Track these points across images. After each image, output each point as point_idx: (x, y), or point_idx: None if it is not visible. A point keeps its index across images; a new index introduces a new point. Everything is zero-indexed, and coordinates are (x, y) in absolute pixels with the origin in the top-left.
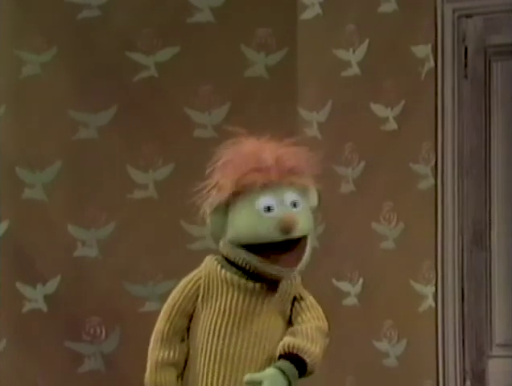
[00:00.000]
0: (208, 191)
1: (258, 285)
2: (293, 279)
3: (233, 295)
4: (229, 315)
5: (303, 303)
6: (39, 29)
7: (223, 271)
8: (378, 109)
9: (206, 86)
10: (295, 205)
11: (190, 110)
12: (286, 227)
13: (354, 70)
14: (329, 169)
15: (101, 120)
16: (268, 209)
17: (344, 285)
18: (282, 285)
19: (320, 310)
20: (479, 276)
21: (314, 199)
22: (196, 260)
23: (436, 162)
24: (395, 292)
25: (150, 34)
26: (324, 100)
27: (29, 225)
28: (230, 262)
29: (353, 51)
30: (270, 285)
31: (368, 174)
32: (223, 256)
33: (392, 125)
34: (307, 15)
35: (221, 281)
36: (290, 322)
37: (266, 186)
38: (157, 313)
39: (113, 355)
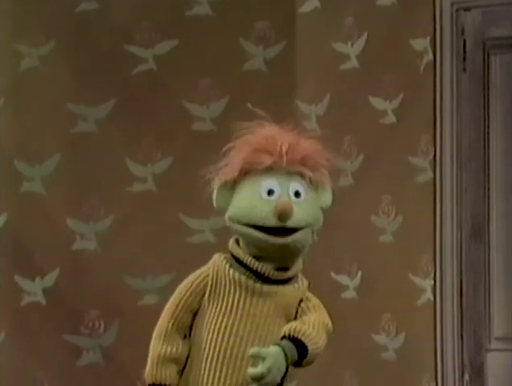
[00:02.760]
0: (220, 168)
1: (265, 287)
2: (300, 283)
3: (240, 295)
4: (235, 315)
5: (309, 303)
6: (37, 22)
7: (231, 270)
8: (377, 102)
9: (205, 79)
10: (298, 195)
11: (189, 103)
12: (280, 214)
13: (353, 63)
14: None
15: (100, 113)
16: (269, 193)
17: (342, 279)
18: (288, 289)
19: (325, 311)
20: (478, 269)
21: (327, 199)
22: (194, 253)
23: (435, 155)
24: (394, 285)
25: (148, 28)
26: (322, 93)
27: (28, 218)
28: (239, 261)
29: (352, 45)
30: (278, 287)
31: (366, 167)
32: (232, 255)
33: (391, 119)
34: (305, 8)
35: (229, 281)
36: None
37: (272, 170)
38: (156, 306)
39: (111, 348)
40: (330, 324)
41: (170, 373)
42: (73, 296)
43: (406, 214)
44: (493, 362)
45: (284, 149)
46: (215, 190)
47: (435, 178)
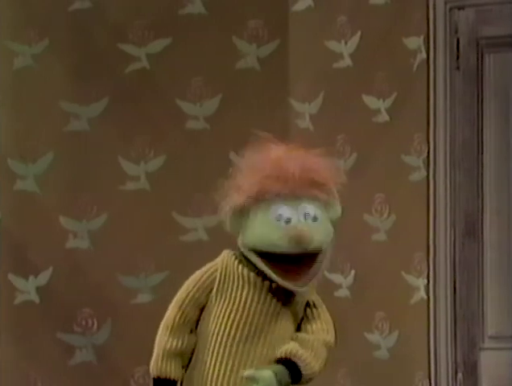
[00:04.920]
0: (229, 191)
1: (274, 285)
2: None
3: (248, 292)
4: (242, 311)
5: (315, 311)
6: (30, 21)
7: (240, 267)
8: (370, 101)
9: (198, 77)
10: (313, 218)
11: (182, 102)
12: (298, 241)
13: (346, 62)
14: None
15: (93, 111)
16: (283, 219)
17: (336, 277)
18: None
19: (331, 320)
20: (471, 268)
21: (336, 211)
22: (188, 251)
23: (428, 153)
24: (387, 284)
25: (141, 26)
26: (315, 91)
27: (21, 217)
28: (247, 259)
29: (345, 43)
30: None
31: (360, 165)
32: (241, 253)
33: (384, 117)
34: (298, 7)
35: (238, 277)
36: (299, 326)
37: (284, 196)
38: (149, 304)
39: (104, 346)
40: (332, 339)
41: (175, 367)
42: (66, 294)
43: (400, 212)
44: (487, 360)
45: (292, 173)
46: (227, 217)
47: (428, 177)
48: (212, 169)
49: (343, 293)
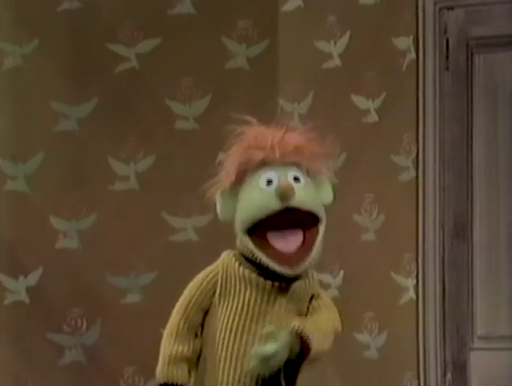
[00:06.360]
0: (219, 179)
1: (276, 284)
2: (311, 278)
3: (250, 293)
4: (247, 313)
5: (320, 301)
6: (20, 21)
7: (241, 268)
8: (360, 101)
9: (187, 78)
10: (296, 180)
11: (171, 102)
12: (282, 193)
13: (335, 62)
14: None
15: (82, 111)
16: (268, 183)
17: (325, 277)
18: (300, 284)
19: (336, 310)
20: (460, 268)
21: (327, 193)
22: (177, 251)
23: (417, 153)
24: (376, 284)
25: (131, 26)
26: (305, 91)
27: (11, 217)
28: (248, 259)
29: (335, 43)
30: (288, 283)
31: (349, 165)
32: (240, 253)
33: (373, 117)
34: (288, 7)
35: (239, 279)
36: None
37: (268, 165)
38: (138, 305)
39: (94, 346)
40: (339, 326)
41: (181, 372)
42: (56, 295)
43: (389, 213)
44: (476, 361)
45: (275, 142)
46: (219, 203)
47: (417, 177)
48: (201, 169)
49: (332, 293)
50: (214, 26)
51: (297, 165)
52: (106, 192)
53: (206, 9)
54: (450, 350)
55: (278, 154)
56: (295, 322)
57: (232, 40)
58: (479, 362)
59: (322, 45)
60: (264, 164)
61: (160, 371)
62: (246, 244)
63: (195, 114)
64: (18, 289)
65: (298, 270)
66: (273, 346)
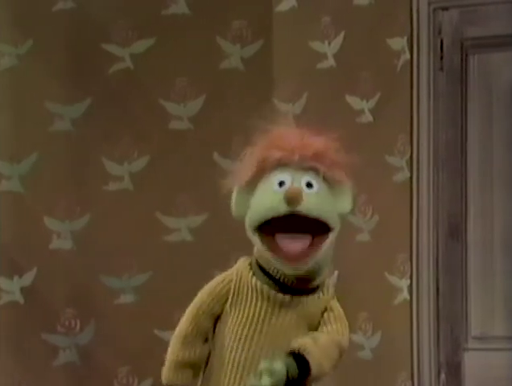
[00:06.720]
0: (236, 172)
1: (287, 298)
2: (325, 292)
3: (261, 305)
4: (256, 325)
5: (331, 314)
6: (15, 21)
7: (254, 279)
8: (354, 102)
9: (181, 78)
10: (309, 186)
11: (165, 102)
12: (289, 198)
13: (330, 62)
14: None
15: (77, 112)
16: (281, 185)
17: None
18: (311, 298)
19: (347, 325)
20: (454, 269)
21: (345, 203)
22: (171, 252)
23: (412, 154)
24: (370, 284)
25: (125, 26)
26: (299, 92)
27: (6, 217)
28: (262, 269)
29: (329, 44)
30: (301, 297)
31: None
32: (256, 262)
33: (368, 118)
34: (282, 7)
35: (251, 289)
36: None
37: (286, 166)
38: (132, 305)
39: (87, 347)
40: (346, 343)
41: (186, 377)
42: (50, 295)
43: (383, 213)
44: (470, 361)
45: (296, 144)
46: (233, 197)
47: (411, 178)
48: (195, 169)
49: None
50: (208, 26)
51: (315, 171)
52: (100, 192)
53: (200, 9)
54: (444, 350)
55: (297, 157)
56: (296, 342)
57: (226, 40)
58: (473, 362)
59: (316, 45)
60: (282, 165)
61: (165, 374)
62: (255, 241)
63: (189, 114)
64: (12, 289)
65: (300, 270)
66: (268, 380)
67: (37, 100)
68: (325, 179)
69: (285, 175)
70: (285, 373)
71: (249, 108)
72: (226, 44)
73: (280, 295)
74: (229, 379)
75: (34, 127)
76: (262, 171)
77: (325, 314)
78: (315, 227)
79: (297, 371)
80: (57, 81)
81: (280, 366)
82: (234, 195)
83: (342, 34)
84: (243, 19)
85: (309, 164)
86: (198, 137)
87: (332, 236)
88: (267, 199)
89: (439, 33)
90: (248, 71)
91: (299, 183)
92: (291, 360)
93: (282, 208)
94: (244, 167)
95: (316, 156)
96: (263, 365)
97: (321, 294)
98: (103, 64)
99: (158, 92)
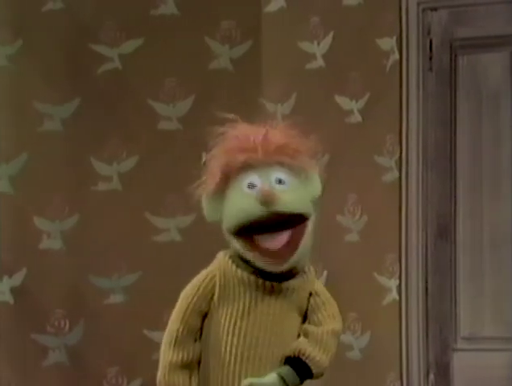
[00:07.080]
0: (204, 181)
1: (275, 285)
2: (308, 273)
3: (251, 296)
4: (248, 316)
5: (318, 299)
6: (4, 21)
7: (239, 271)
8: (343, 102)
9: (170, 78)
10: (282, 182)
11: (154, 102)
12: (264, 200)
13: (319, 62)
14: None
15: (65, 112)
16: (251, 187)
17: None
18: (297, 282)
19: (335, 305)
20: (443, 269)
21: (315, 187)
22: (160, 252)
23: (401, 154)
24: (359, 284)
25: (113, 27)
26: (288, 92)
27: None
28: (243, 260)
29: (318, 44)
30: (287, 282)
31: (332, 166)
32: (236, 254)
33: (357, 118)
34: (271, 8)
35: (238, 282)
36: (305, 317)
37: (252, 166)
38: (122, 305)
39: (77, 347)
40: (340, 323)
41: (183, 379)
42: (40, 295)
43: (372, 213)
44: (459, 362)
45: (257, 142)
46: (205, 205)
47: (400, 178)
48: (184, 169)
49: None
50: (197, 26)
51: (281, 164)
52: (89, 193)
53: (189, 9)
54: (433, 351)
55: (260, 155)
56: (291, 347)
57: (215, 41)
58: (462, 363)
59: (305, 46)
60: (247, 166)
61: (161, 378)
62: (234, 245)
63: (178, 115)
64: (2, 289)
65: (285, 267)
66: None
67: (26, 101)
68: (291, 169)
69: (253, 176)
70: (279, 383)
71: (239, 108)
72: (215, 45)
73: (268, 283)
74: (228, 373)
75: (23, 127)
76: (228, 175)
77: (311, 300)
78: (293, 221)
79: (298, 378)
80: (46, 81)
81: (270, 380)
82: (204, 204)
83: (331, 35)
84: (232, 20)
85: (274, 159)
86: (187, 137)
87: (310, 224)
88: (241, 204)
89: (429, 33)
90: (237, 72)
91: (268, 182)
92: (286, 368)
93: (259, 210)
94: (210, 173)
95: (278, 149)
96: (245, 383)
97: (305, 275)
98: (92, 64)
99: (147, 92)
